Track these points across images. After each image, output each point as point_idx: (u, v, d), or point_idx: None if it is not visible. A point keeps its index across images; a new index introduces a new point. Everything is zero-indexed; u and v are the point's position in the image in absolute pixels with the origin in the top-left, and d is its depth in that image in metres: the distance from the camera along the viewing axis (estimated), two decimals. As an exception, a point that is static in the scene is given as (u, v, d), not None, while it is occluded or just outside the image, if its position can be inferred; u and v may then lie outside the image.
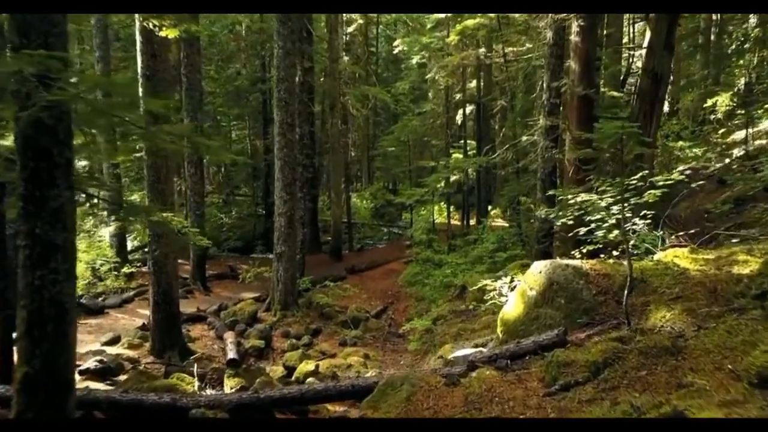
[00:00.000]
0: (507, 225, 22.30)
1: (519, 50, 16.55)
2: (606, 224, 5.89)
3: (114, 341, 9.24)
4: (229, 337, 9.97)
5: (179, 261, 15.87)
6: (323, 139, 23.72)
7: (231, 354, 9.30)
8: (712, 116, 17.77)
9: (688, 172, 5.23)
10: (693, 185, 5.97)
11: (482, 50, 18.28)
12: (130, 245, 14.96)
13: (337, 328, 11.68)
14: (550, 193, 6.48)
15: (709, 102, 17.26)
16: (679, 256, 5.73)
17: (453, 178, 17.44)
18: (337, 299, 13.27)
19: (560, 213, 6.81)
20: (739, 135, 15.71)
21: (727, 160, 13.72)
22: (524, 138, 9.91)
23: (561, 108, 10.04)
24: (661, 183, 5.20)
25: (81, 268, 12.42)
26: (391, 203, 32.19)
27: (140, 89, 8.09)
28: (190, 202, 13.30)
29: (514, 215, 18.87)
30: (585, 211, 6.16)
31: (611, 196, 5.75)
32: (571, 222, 6.59)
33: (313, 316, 12.10)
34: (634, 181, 5.25)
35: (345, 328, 11.64)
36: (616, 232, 5.89)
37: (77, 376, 7.35)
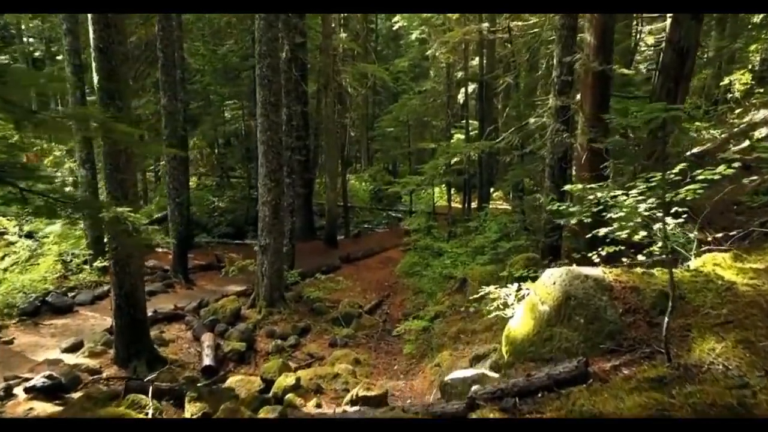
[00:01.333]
0: (510, 208, 21.34)
1: (525, 24, 15.45)
2: (631, 223, 4.98)
3: (76, 347, 8.35)
4: (207, 339, 9.11)
5: (162, 250, 15.05)
6: (319, 120, 22.65)
7: (207, 360, 8.46)
8: (728, 95, 16.67)
9: (737, 164, 4.24)
10: (746, 180, 4.96)
11: (485, 25, 17.15)
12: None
13: (328, 325, 10.82)
14: (567, 188, 5.51)
15: (726, 80, 16.17)
16: (720, 265, 4.79)
17: (454, 160, 16.46)
18: (329, 293, 12.39)
19: (574, 209, 5.86)
20: (759, 115, 14.65)
21: (747, 143, 12.69)
22: (532, 120, 8.88)
23: (571, 86, 9.03)
24: (702, 177, 4.25)
25: (51, 261, 11.53)
26: (391, 185, 31.15)
27: (93, 63, 7.10)
28: (169, 188, 12.33)
29: (518, 200, 17.91)
30: (604, 207, 5.24)
31: (640, 192, 4.82)
32: (588, 219, 5.66)
33: (302, 312, 11.23)
34: (672, 175, 4.32)
35: (336, 326, 10.78)
36: (643, 233, 4.98)
37: (22, 395, 6.50)
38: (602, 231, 5.26)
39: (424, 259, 14.68)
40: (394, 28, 28.67)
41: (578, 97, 8.97)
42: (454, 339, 8.84)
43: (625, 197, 4.68)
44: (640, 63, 18.97)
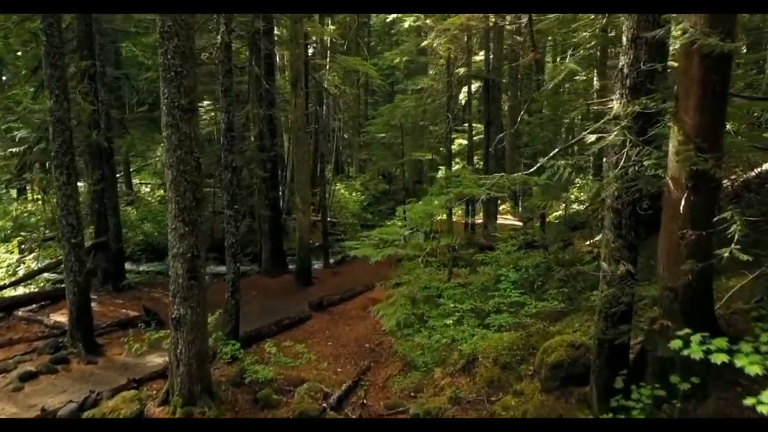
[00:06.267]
0: (521, 224, 18.07)
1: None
2: None
3: None
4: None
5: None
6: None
7: None
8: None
9: None
10: None
11: (494, 8, 13.90)
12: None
13: (274, 431, 7.38)
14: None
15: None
16: None
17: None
18: (285, 368, 8.96)
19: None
20: None
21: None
22: (591, 137, 5.38)
23: (652, 80, 5.58)
24: None
25: None
26: (387, 193, 27.83)
27: None
28: (62, 225, 8.81)
29: (533, 223, 14.47)
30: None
31: None
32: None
33: (240, 406, 7.81)
34: None
35: (286, 433, 7.34)
36: None
37: None
38: None
39: (419, 308, 11.25)
40: (388, 20, 25.37)
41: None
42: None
43: None
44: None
